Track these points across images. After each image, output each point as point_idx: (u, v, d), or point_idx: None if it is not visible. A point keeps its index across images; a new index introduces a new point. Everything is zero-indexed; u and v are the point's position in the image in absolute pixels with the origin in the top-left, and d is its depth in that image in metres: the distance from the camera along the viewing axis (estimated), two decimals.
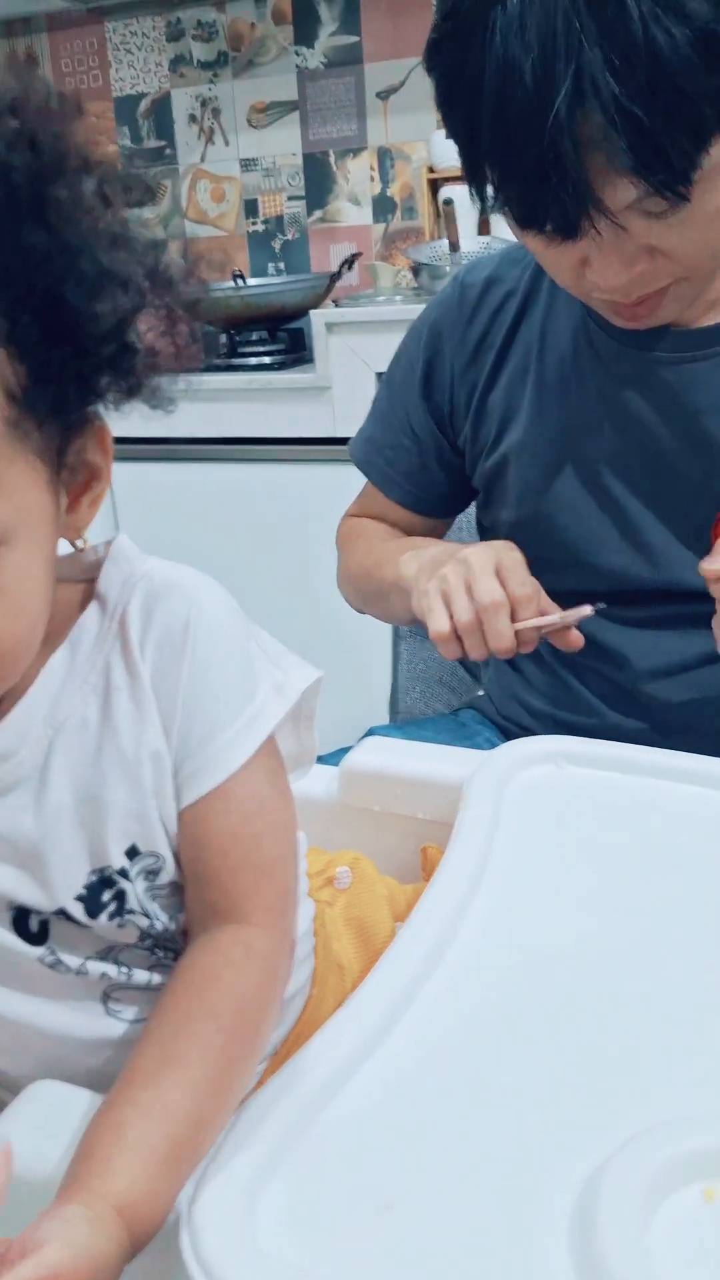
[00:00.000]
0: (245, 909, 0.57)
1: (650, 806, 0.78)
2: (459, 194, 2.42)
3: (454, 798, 0.80)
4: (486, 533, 1.10)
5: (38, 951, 0.57)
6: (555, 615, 0.89)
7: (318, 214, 2.67)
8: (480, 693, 1.27)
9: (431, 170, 2.46)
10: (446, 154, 2.42)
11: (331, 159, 2.62)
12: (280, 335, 2.36)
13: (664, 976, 0.61)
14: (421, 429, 1.10)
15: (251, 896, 0.57)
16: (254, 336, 2.35)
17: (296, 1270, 0.44)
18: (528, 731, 1.05)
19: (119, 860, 0.57)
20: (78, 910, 0.57)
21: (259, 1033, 0.55)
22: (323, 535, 2.27)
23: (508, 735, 1.11)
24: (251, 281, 2.48)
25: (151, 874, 0.58)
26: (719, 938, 0.64)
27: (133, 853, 0.57)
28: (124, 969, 0.59)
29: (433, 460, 1.11)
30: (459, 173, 2.63)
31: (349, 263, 2.40)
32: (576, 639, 0.90)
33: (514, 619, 0.88)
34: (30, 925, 0.57)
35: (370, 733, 1.13)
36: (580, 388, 0.98)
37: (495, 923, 0.66)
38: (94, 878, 0.57)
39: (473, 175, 0.81)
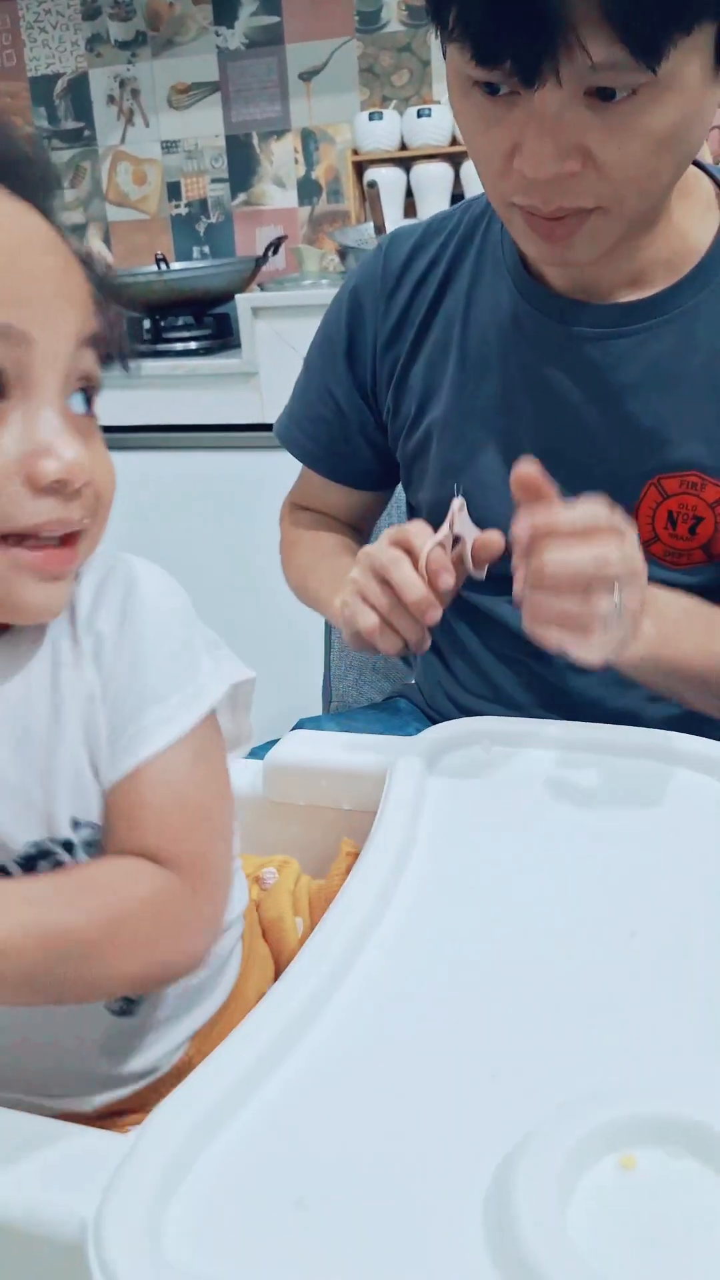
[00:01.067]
0: (171, 867, 0.56)
1: (578, 781, 0.77)
2: (384, 176, 2.41)
3: (379, 786, 0.78)
4: (413, 513, 1.09)
5: None
6: (441, 530, 0.83)
7: (242, 197, 2.64)
8: (412, 680, 1.25)
9: (356, 152, 2.44)
10: (371, 136, 2.41)
11: (255, 141, 2.59)
12: (206, 320, 2.33)
13: (590, 950, 0.60)
14: (345, 400, 1.07)
15: (178, 861, 0.56)
16: (179, 322, 2.32)
17: (207, 1278, 0.43)
18: None
19: (65, 831, 0.57)
20: (15, 873, 0.57)
21: (128, 952, 0.54)
22: (252, 523, 2.26)
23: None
24: (175, 265, 2.45)
25: (90, 845, 0.58)
26: (646, 906, 0.63)
27: (75, 824, 0.57)
28: None
29: (355, 433, 1.08)
30: (384, 155, 2.61)
31: (274, 246, 2.38)
32: (482, 554, 0.84)
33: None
34: None
35: (299, 725, 1.12)
36: (503, 363, 0.95)
37: (422, 904, 0.65)
38: (32, 849, 0.57)
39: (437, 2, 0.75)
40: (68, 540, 0.54)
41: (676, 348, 0.90)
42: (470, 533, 0.83)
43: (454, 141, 2.39)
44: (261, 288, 2.30)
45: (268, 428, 2.21)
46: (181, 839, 0.57)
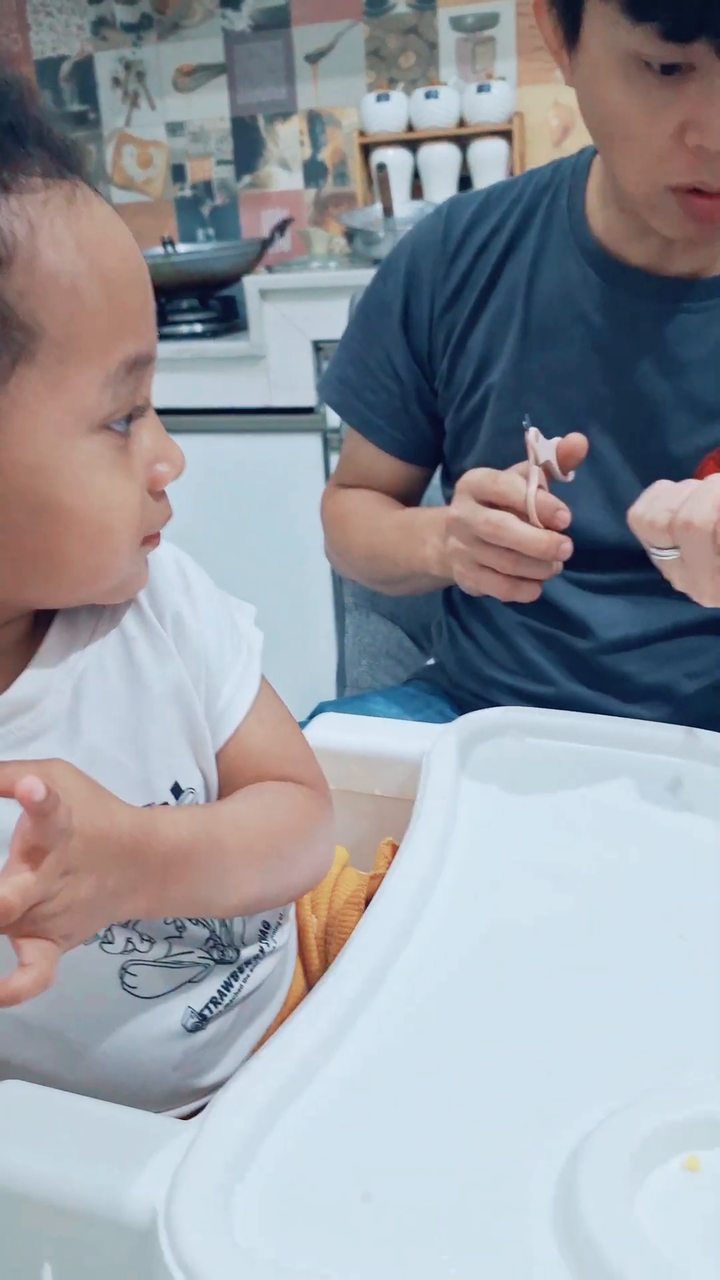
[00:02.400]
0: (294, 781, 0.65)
1: (612, 776, 0.77)
2: (391, 158, 2.40)
3: (411, 773, 0.79)
4: (454, 484, 1.08)
5: None
6: (533, 470, 0.80)
7: (247, 179, 2.62)
8: (430, 662, 1.25)
9: (363, 134, 2.43)
10: (378, 118, 2.39)
11: (260, 123, 2.57)
12: (212, 303, 2.32)
13: (634, 948, 0.61)
14: (403, 367, 1.06)
15: (304, 779, 0.65)
16: (184, 304, 2.31)
17: (276, 1266, 0.43)
18: (483, 701, 1.04)
19: (166, 797, 0.59)
20: None
21: (303, 851, 0.63)
22: (260, 507, 2.26)
23: (461, 705, 1.10)
24: (181, 248, 2.43)
25: None
26: (688, 906, 0.64)
27: (176, 790, 0.60)
28: (145, 939, 0.59)
29: (414, 402, 1.07)
30: (391, 137, 2.59)
31: (281, 228, 2.37)
32: (569, 461, 0.81)
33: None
34: None
35: (320, 709, 1.12)
36: (567, 334, 0.96)
37: (463, 899, 0.65)
38: None
39: None
40: None
41: None
42: (548, 451, 0.81)
43: (461, 123, 2.37)
44: (269, 270, 2.29)
45: (275, 411, 2.23)
46: (297, 762, 0.65)
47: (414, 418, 1.08)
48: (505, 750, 0.81)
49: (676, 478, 0.92)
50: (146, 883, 0.51)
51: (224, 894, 0.58)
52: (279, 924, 0.67)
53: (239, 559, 2.07)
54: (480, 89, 2.32)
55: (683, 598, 0.85)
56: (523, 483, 0.80)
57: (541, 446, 0.80)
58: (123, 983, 0.59)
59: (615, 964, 0.59)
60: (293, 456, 2.14)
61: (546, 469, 0.80)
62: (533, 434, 0.80)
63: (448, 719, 1.06)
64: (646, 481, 0.94)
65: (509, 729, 0.82)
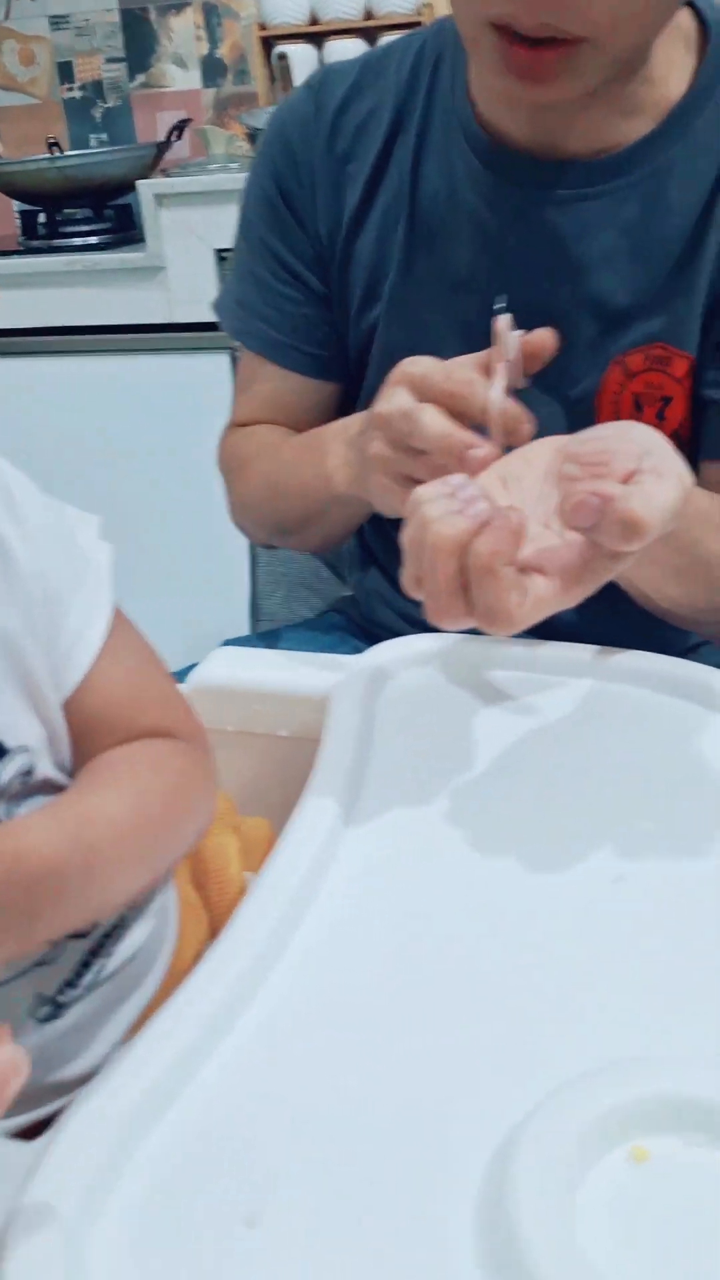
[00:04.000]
0: (173, 736, 0.56)
1: (542, 708, 0.70)
2: (294, 53, 2.25)
3: (317, 711, 0.70)
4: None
5: None
6: (499, 367, 0.65)
7: (140, 78, 2.45)
8: (348, 593, 1.16)
9: (263, 28, 2.27)
10: (279, 9, 2.24)
11: (152, 16, 2.40)
12: (107, 213, 2.17)
13: (567, 897, 0.53)
14: (301, 267, 0.90)
15: (175, 729, 0.57)
16: (77, 214, 2.16)
17: None
18: (397, 636, 0.95)
19: None
20: None
21: (184, 824, 0.54)
22: (163, 431, 2.14)
23: (375, 640, 1.01)
24: (70, 153, 2.28)
25: (27, 774, 0.51)
26: (623, 842, 0.56)
27: (2, 750, 0.50)
28: None
29: (319, 304, 0.92)
30: (293, 29, 2.42)
31: (178, 130, 2.22)
32: (534, 364, 0.67)
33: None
34: None
35: (225, 645, 1.02)
36: (457, 235, 0.84)
37: (374, 851, 0.57)
38: None
39: None
40: None
41: (649, 211, 0.80)
42: (514, 344, 0.66)
43: (368, 15, 2.23)
44: (165, 174, 2.15)
45: (177, 328, 2.10)
46: (164, 706, 0.57)
47: (321, 324, 0.93)
48: (422, 681, 0.73)
49: (585, 392, 0.83)
50: (9, 922, 0.42)
51: (101, 906, 0.50)
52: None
53: (141, 488, 1.96)
54: None
55: None
56: (483, 381, 0.65)
57: (511, 340, 0.65)
58: None
59: (551, 921, 0.52)
60: (197, 376, 2.01)
61: (510, 368, 0.66)
62: (504, 322, 0.66)
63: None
64: (556, 399, 0.85)
65: (427, 658, 0.74)
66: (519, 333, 0.65)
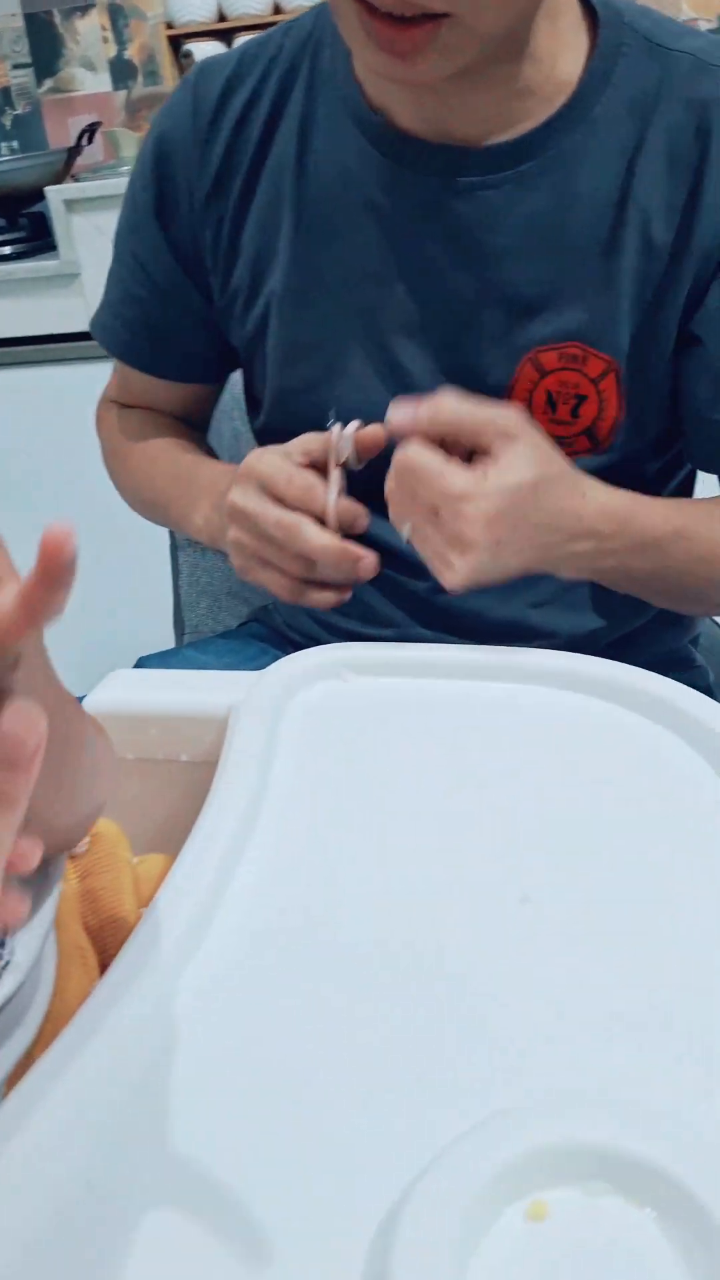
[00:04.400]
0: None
1: (454, 712, 0.67)
2: (202, 51, 2.21)
3: (221, 733, 0.67)
4: (253, 405, 0.93)
5: None
6: (334, 473, 0.74)
7: (49, 83, 2.41)
8: (268, 604, 1.13)
9: (170, 26, 2.23)
10: (185, 7, 2.20)
11: (57, 20, 2.35)
12: (20, 221, 2.12)
13: (470, 926, 0.50)
14: (162, 275, 0.88)
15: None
16: None
17: None
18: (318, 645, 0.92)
19: None
20: None
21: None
22: (81, 441, 2.08)
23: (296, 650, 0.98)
24: None
25: None
26: (531, 860, 0.53)
27: None
28: None
29: (178, 314, 0.89)
30: (201, 28, 2.37)
31: (88, 134, 2.17)
32: (367, 455, 0.74)
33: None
34: None
35: (140, 663, 0.99)
36: (353, 223, 0.80)
37: (263, 888, 0.54)
38: None
39: None
40: None
41: (554, 200, 0.77)
42: (349, 446, 0.74)
43: (277, 10, 2.20)
44: (76, 180, 2.10)
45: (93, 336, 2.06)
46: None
47: (180, 333, 0.91)
48: (329, 692, 0.70)
49: (496, 386, 0.80)
50: None
51: None
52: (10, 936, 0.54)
53: (60, 498, 1.91)
54: None
55: None
56: (321, 488, 0.73)
57: (344, 444, 0.73)
58: None
59: (451, 948, 0.49)
60: None
61: (343, 461, 0.74)
62: (336, 431, 0.73)
63: None
64: (461, 394, 0.82)
65: (332, 669, 0.71)
66: (352, 427, 0.74)
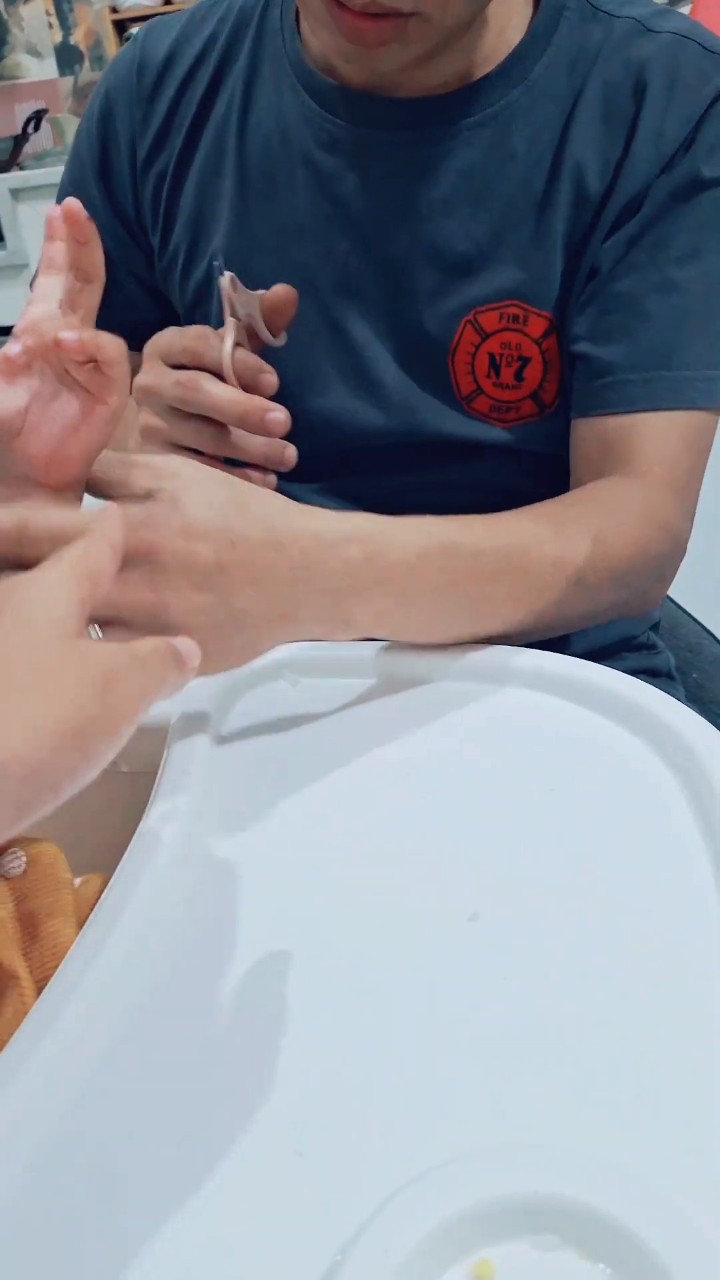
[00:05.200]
0: None
1: (401, 717, 0.64)
2: None
3: (163, 741, 0.64)
4: None
5: None
6: (229, 323, 0.69)
7: None
8: None
9: (114, 10, 2.19)
10: None
11: (0, 7, 2.30)
12: None
13: (413, 948, 0.47)
14: (105, 233, 0.84)
15: None
16: None
17: None
18: None
19: None
20: None
21: None
22: None
23: None
24: None
25: None
26: (477, 873, 0.50)
27: None
28: None
29: (123, 275, 0.87)
30: (145, 12, 2.34)
31: (34, 121, 2.13)
32: (279, 319, 0.72)
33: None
34: None
35: None
36: (291, 180, 0.79)
37: (200, 906, 0.51)
38: None
39: None
40: None
41: (490, 154, 0.76)
42: (252, 302, 0.70)
43: None
44: (21, 167, 2.06)
45: None
46: None
47: (125, 295, 0.88)
48: (274, 696, 0.67)
49: (436, 346, 0.78)
50: None
51: None
52: None
53: None
54: None
55: (461, 499, 0.70)
56: (216, 337, 0.69)
57: (240, 297, 0.68)
58: None
59: (391, 976, 0.46)
60: None
61: (248, 325, 0.69)
62: (227, 280, 0.67)
63: None
64: (402, 358, 0.79)
65: (277, 672, 0.68)
66: (257, 292, 0.69)
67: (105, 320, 0.89)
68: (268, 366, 0.70)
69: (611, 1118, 0.38)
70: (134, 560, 0.51)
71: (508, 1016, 0.43)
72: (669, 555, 0.77)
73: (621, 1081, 0.39)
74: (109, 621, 0.52)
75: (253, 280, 0.81)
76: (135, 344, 0.91)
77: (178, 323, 0.89)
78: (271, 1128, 0.39)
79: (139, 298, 0.89)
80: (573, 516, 0.71)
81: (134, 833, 0.64)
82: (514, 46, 0.76)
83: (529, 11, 0.77)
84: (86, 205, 0.86)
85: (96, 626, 0.52)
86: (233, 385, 0.68)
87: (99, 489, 0.57)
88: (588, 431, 0.77)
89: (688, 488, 0.76)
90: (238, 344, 0.68)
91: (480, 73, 0.76)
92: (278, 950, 0.48)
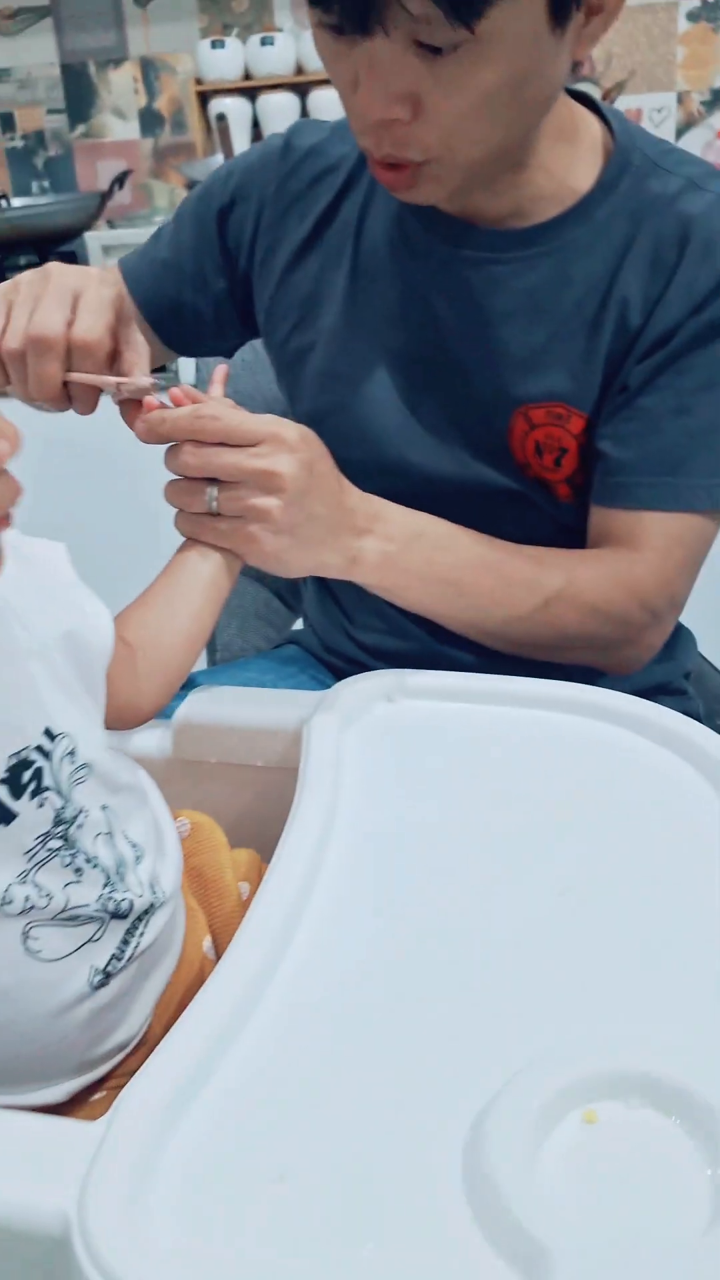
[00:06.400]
0: None
1: (489, 733, 0.78)
2: (229, 107, 2.34)
3: (291, 742, 0.78)
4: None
5: None
6: (113, 378, 0.79)
7: (81, 128, 2.53)
8: (299, 625, 1.25)
9: (199, 82, 2.37)
10: (214, 65, 2.33)
11: (92, 70, 2.48)
12: (52, 259, 2.23)
13: (521, 910, 0.62)
14: (209, 261, 1.04)
15: None
16: (22, 261, 2.22)
17: (192, 1262, 0.43)
18: (355, 664, 1.04)
19: (39, 739, 0.59)
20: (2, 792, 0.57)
21: None
22: (108, 470, 2.20)
23: (334, 670, 1.10)
24: (15, 202, 2.34)
25: (72, 754, 0.60)
26: (574, 863, 0.65)
27: (50, 734, 0.59)
28: (43, 892, 0.58)
29: (205, 298, 1.05)
30: (228, 85, 2.54)
31: (120, 181, 2.30)
32: (150, 420, 0.79)
33: (74, 367, 0.80)
34: None
35: (192, 679, 1.10)
36: (390, 278, 0.96)
37: (355, 868, 0.65)
38: (13, 760, 0.58)
39: None
40: None
41: (551, 279, 0.91)
42: (128, 386, 0.79)
43: (299, 70, 2.33)
44: (110, 225, 2.23)
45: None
46: None
47: (196, 310, 1.05)
48: (383, 713, 0.81)
49: (496, 428, 0.93)
50: None
51: None
52: (160, 871, 0.67)
53: (95, 524, 2.02)
54: None
55: (534, 534, 0.86)
56: (107, 355, 0.81)
57: (133, 386, 0.78)
58: (26, 947, 0.59)
59: (509, 927, 0.60)
60: None
61: (125, 394, 0.79)
62: (149, 382, 0.79)
63: (323, 684, 1.06)
64: (461, 433, 0.95)
65: (384, 692, 0.83)
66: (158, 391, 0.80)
67: (168, 322, 1.07)
68: (88, 403, 0.83)
69: (687, 1012, 0.53)
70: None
71: (592, 956, 0.58)
72: (642, 625, 0.93)
73: (693, 984, 0.54)
74: (228, 483, 0.76)
75: (357, 355, 0.97)
76: (177, 343, 1.10)
77: (217, 348, 1.09)
78: (449, 1020, 0.54)
79: (206, 316, 1.06)
80: (555, 559, 0.91)
81: (262, 815, 0.79)
82: (581, 195, 0.91)
83: (598, 163, 0.92)
84: (200, 229, 1.06)
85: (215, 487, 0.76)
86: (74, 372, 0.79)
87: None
88: (599, 518, 0.93)
89: (676, 578, 0.92)
90: (115, 373, 0.81)
91: (550, 210, 0.91)
92: (422, 916, 0.62)
